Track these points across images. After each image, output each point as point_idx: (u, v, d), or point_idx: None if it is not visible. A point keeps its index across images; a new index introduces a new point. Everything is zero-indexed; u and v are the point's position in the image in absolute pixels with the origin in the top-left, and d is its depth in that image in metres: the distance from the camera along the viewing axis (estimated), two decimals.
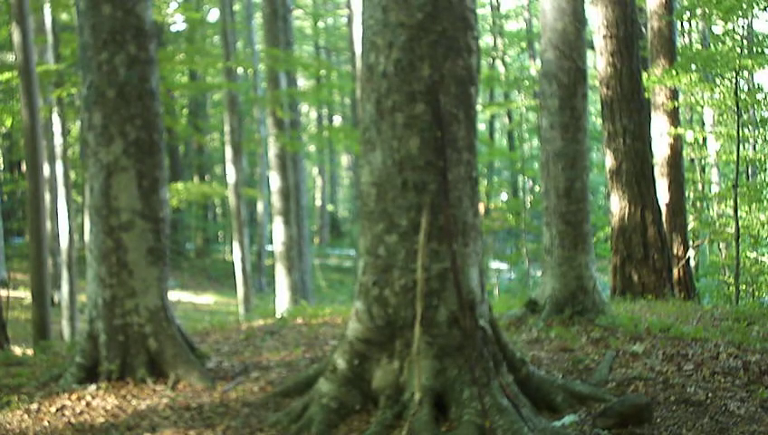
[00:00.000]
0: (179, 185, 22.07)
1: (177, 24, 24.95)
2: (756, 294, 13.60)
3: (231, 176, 17.81)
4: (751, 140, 17.39)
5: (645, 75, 10.83)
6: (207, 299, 22.24)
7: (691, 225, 13.96)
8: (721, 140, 16.72)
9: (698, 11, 14.99)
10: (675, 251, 11.23)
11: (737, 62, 11.32)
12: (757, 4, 11.62)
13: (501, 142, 34.04)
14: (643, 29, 12.69)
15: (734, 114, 13.72)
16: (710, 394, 4.45)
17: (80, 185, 21.01)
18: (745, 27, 13.80)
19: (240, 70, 22.98)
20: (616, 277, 10.13)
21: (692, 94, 14.30)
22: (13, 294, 15.67)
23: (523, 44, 29.65)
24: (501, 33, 31.70)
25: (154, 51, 5.26)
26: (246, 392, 4.76)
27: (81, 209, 20.06)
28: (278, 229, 15.41)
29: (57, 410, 4.50)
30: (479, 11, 5.65)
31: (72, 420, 4.35)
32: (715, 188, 18.37)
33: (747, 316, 7.34)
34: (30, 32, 10.49)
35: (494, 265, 24.99)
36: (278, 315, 9.09)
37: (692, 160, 17.22)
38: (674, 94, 12.25)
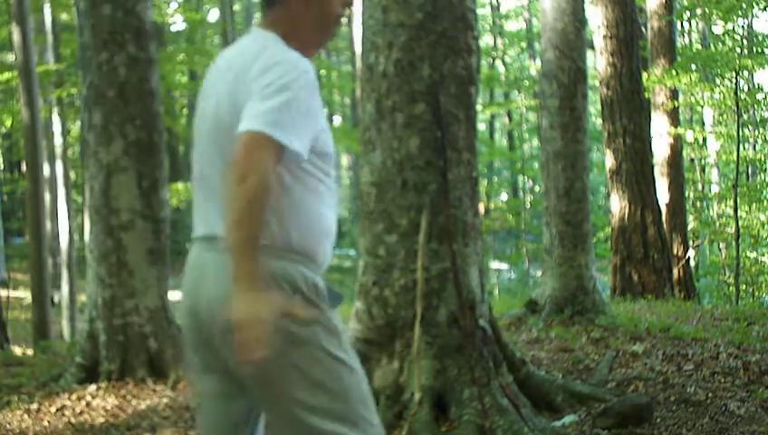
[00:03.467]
0: (179, 185, 22.03)
1: (177, 24, 24.95)
2: (756, 294, 13.58)
3: None
4: (751, 140, 17.40)
5: (645, 75, 10.83)
6: None
7: (691, 225, 13.95)
8: (721, 140, 16.71)
9: (698, 11, 14.98)
10: (675, 251, 11.22)
11: (737, 62, 11.33)
12: (757, 4, 11.63)
13: (501, 142, 34.02)
14: (643, 29, 12.69)
15: (734, 114, 13.72)
16: (710, 394, 4.45)
17: (80, 185, 21.01)
18: (745, 27, 13.82)
19: None
20: (616, 277, 10.13)
21: (692, 94, 14.29)
22: (13, 294, 15.67)
23: (523, 44, 29.65)
24: (501, 33, 31.70)
25: (154, 51, 5.27)
26: None
27: (81, 209, 20.06)
28: None
29: (57, 410, 4.50)
30: (479, 11, 5.65)
31: (72, 420, 4.35)
32: (715, 188, 18.37)
33: (747, 316, 7.33)
34: (30, 32, 10.50)
35: (494, 265, 24.97)
36: None
37: (692, 160, 17.22)
38: (674, 94, 12.24)
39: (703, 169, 18.89)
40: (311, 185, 2.00)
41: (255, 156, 1.78)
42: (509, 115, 31.54)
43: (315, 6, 2.11)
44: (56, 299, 16.15)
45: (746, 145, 16.65)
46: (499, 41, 31.60)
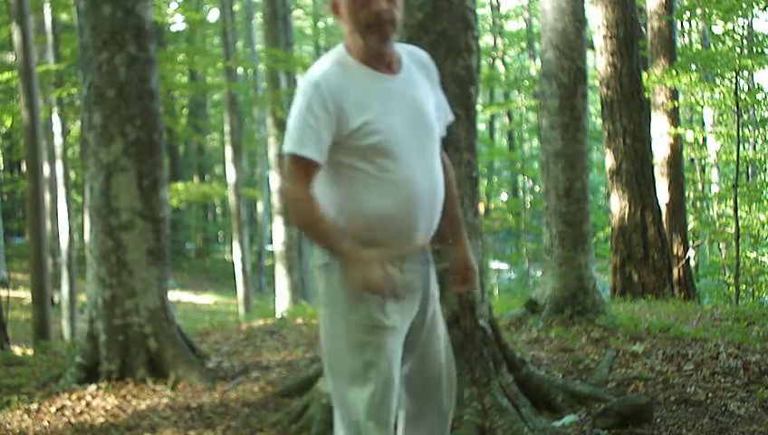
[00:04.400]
0: (179, 185, 22.05)
1: (177, 24, 24.94)
2: (756, 294, 13.57)
3: (231, 176, 17.81)
4: (751, 140, 17.40)
5: (645, 75, 10.82)
6: (207, 299, 22.23)
7: (691, 225, 13.94)
8: (721, 140, 16.71)
9: (698, 11, 14.98)
10: (675, 251, 11.22)
11: (737, 62, 11.32)
12: (757, 4, 11.62)
13: (501, 142, 34.02)
14: (643, 29, 12.69)
15: (734, 114, 13.72)
16: (710, 394, 4.45)
17: (80, 185, 21.01)
18: (745, 27, 13.81)
19: (240, 70, 22.95)
20: (616, 277, 10.12)
21: (692, 94, 14.29)
22: (13, 294, 15.66)
23: (523, 44, 29.64)
24: (501, 33, 31.69)
25: (154, 51, 5.27)
26: (246, 392, 4.76)
27: (81, 209, 20.08)
28: (278, 229, 15.41)
29: (57, 410, 4.50)
30: (479, 11, 5.65)
31: (72, 420, 4.35)
32: (715, 188, 18.37)
33: (747, 316, 7.33)
34: (30, 32, 10.48)
35: (494, 265, 24.97)
36: (278, 315, 9.10)
37: (692, 160, 17.22)
38: (674, 94, 12.23)
39: (703, 169, 18.89)
40: (350, 175, 2.28)
41: (287, 177, 2.30)
42: (509, 115, 31.54)
43: (346, 14, 2.32)
44: (56, 299, 16.14)
45: (746, 145, 16.66)
46: (499, 41, 31.59)
